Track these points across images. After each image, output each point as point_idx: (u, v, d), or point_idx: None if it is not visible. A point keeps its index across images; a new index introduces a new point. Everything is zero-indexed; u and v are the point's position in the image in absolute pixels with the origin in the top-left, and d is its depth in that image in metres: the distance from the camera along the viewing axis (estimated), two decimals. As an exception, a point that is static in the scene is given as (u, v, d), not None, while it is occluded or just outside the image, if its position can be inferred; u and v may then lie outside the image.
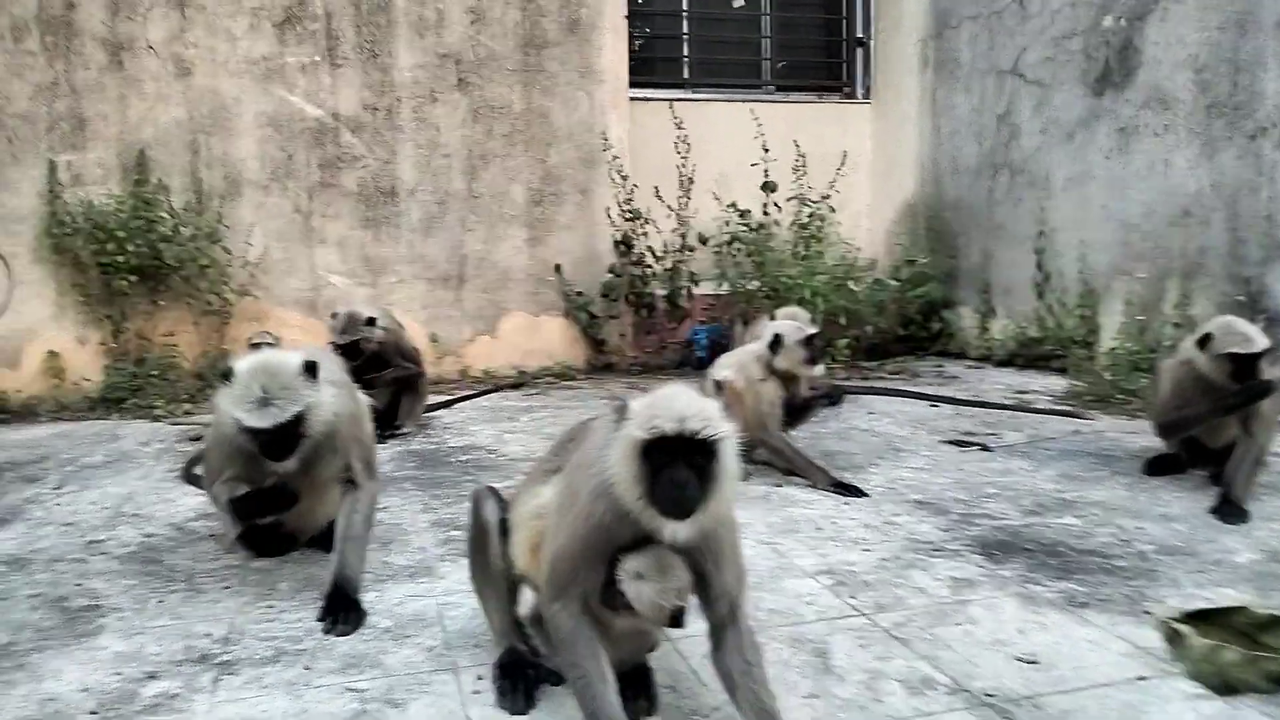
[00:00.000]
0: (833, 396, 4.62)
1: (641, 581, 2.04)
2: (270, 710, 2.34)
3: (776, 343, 4.45)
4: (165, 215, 6.68)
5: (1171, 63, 6.30)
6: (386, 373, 5.44)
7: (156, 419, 6.14)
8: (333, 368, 3.25)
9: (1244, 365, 3.85)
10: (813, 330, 4.58)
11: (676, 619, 2.06)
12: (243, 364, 2.95)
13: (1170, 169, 6.35)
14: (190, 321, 6.87)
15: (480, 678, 2.48)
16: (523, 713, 2.28)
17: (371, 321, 5.44)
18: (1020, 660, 2.53)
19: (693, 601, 2.11)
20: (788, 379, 4.49)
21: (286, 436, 2.90)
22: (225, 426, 2.99)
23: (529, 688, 2.35)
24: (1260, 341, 3.87)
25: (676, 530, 1.96)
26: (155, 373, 6.61)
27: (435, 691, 2.43)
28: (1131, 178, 6.65)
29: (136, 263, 6.53)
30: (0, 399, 6.47)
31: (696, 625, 2.35)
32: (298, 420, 2.89)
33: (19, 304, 6.60)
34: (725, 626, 2.11)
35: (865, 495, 4.11)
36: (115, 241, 6.47)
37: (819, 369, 4.60)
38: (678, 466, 1.91)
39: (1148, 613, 2.81)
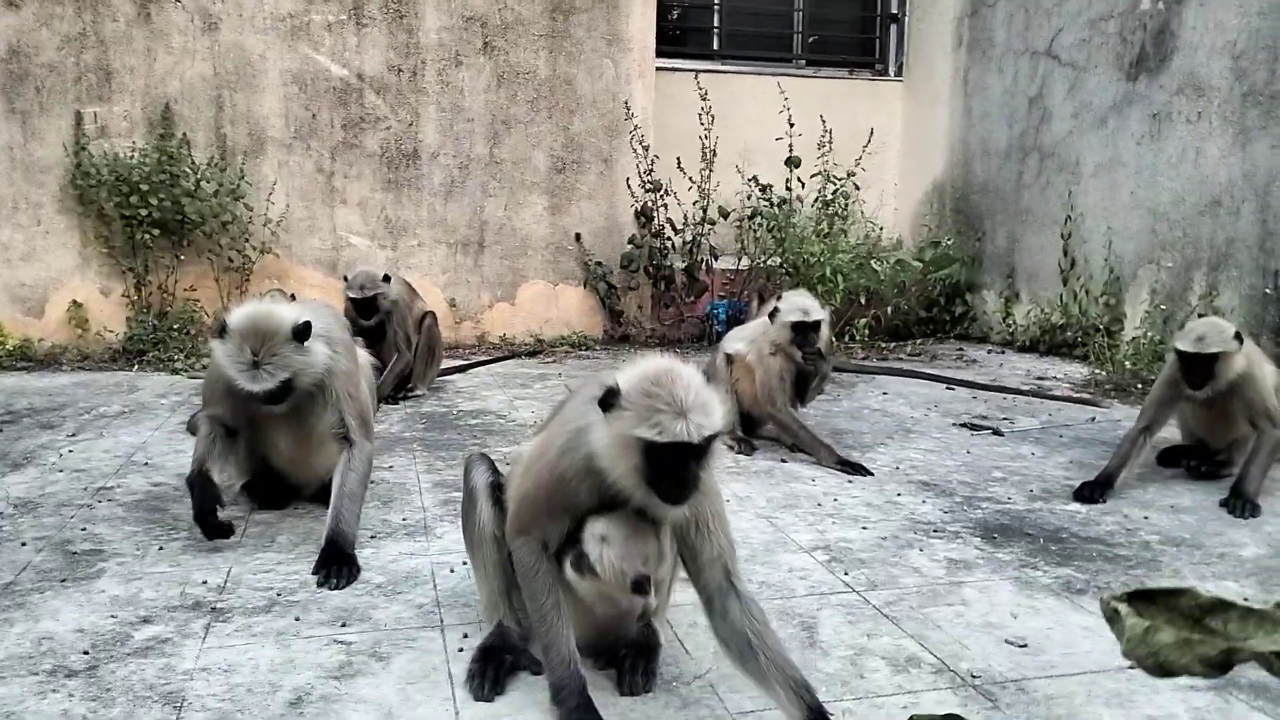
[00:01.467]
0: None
1: (605, 545, 2.03)
2: (257, 658, 2.37)
3: (773, 316, 4.44)
4: (188, 170, 6.70)
5: (1209, 48, 6.14)
6: (387, 373, 5.29)
7: (175, 372, 6.21)
8: (330, 324, 3.31)
9: (1185, 362, 3.82)
10: (814, 317, 4.40)
11: (640, 586, 2.03)
12: (236, 320, 3.04)
13: (1202, 158, 6.21)
14: (212, 277, 6.91)
15: (466, 635, 2.50)
16: (486, 699, 2.18)
17: (387, 279, 5.50)
18: (1010, 643, 2.51)
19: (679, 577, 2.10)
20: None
21: (276, 396, 3.10)
22: (219, 369, 3.13)
23: (499, 674, 2.25)
24: (1195, 337, 3.79)
25: (675, 513, 2.02)
26: (176, 326, 6.68)
27: (420, 647, 2.45)
28: (1162, 165, 6.51)
29: (159, 216, 6.57)
30: (24, 347, 6.56)
31: (683, 595, 2.35)
32: (286, 384, 3.07)
33: (44, 253, 6.67)
34: (725, 593, 2.09)
35: (870, 474, 4.09)
36: (139, 194, 6.51)
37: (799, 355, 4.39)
38: (684, 464, 1.93)
39: (1102, 600, 2.78)
